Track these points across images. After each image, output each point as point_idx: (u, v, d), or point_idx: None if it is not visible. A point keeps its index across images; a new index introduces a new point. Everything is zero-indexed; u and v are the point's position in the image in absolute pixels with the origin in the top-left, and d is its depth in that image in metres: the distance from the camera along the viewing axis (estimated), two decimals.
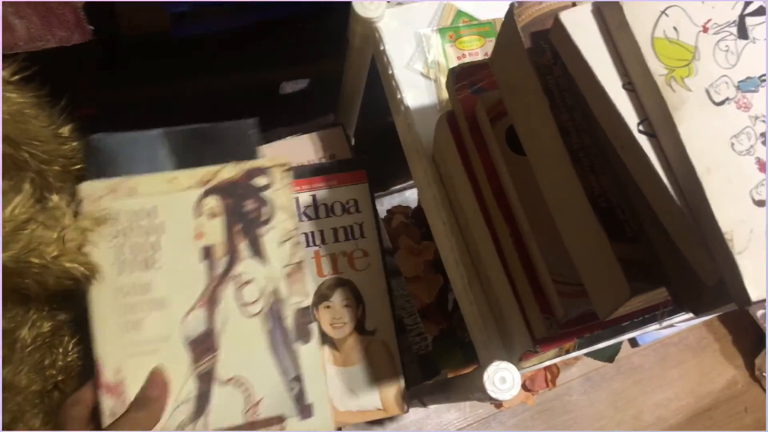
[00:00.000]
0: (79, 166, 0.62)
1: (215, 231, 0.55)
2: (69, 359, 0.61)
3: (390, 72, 0.59)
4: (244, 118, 0.61)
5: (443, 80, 0.60)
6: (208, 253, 0.54)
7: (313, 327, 0.54)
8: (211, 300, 0.54)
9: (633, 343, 1.38)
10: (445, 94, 0.60)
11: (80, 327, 0.67)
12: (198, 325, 0.53)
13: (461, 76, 0.50)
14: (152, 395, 0.51)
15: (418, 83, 0.60)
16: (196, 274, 0.54)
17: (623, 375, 1.47)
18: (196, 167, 0.56)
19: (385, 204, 1.23)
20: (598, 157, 0.39)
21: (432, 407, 1.39)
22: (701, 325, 1.51)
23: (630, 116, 0.34)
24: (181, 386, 0.52)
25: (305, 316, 0.54)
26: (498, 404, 1.00)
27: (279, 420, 0.53)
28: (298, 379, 0.54)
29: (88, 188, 0.54)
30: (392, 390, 0.67)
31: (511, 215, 0.48)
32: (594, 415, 1.44)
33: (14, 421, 0.46)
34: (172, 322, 0.53)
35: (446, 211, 0.56)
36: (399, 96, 0.59)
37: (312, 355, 0.54)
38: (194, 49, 0.70)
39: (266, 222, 0.56)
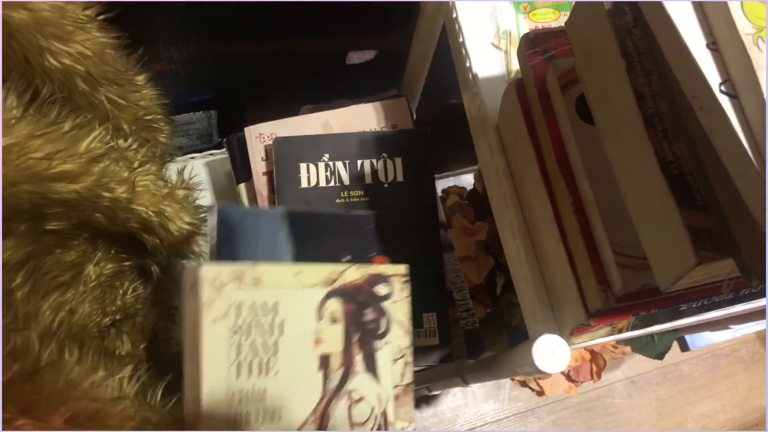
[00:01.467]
0: (150, 117, 0.64)
1: (335, 338, 0.51)
2: (127, 301, 0.63)
3: (460, 40, 0.59)
4: (364, 213, 0.59)
5: (514, 52, 0.60)
6: (325, 362, 0.51)
7: None
8: (323, 415, 0.50)
9: (684, 346, 1.35)
10: (514, 66, 0.59)
11: (141, 275, 0.70)
12: None
13: (534, 43, 0.50)
14: None
15: (487, 53, 0.60)
16: (312, 384, 0.50)
17: (670, 382, 1.43)
18: (319, 261, 0.53)
19: (440, 187, 1.23)
20: (673, 123, 0.38)
21: (470, 396, 1.38)
22: (755, 339, 1.46)
23: (713, 76, 0.33)
24: None
25: None
26: (540, 392, 0.99)
27: None
28: None
29: (212, 273, 0.48)
30: None
31: (574, 184, 0.48)
32: (636, 420, 1.41)
33: (76, 339, 0.48)
34: None
35: (507, 182, 0.56)
36: (467, 64, 0.59)
37: None
38: (266, 12, 0.72)
39: (383, 335, 0.53)
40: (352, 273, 0.52)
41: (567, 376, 0.94)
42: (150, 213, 0.58)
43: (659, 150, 0.38)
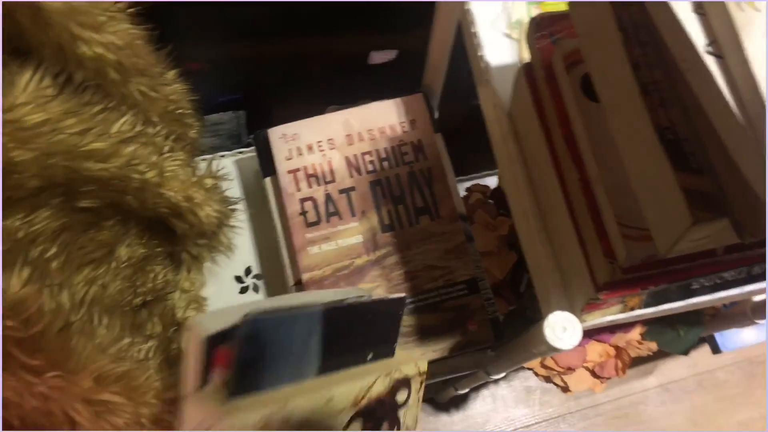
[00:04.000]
0: (180, 111, 0.68)
1: None
2: (158, 285, 0.67)
3: (473, 30, 0.61)
4: (393, 298, 0.56)
5: (525, 41, 0.62)
6: None
7: None
8: None
9: (715, 348, 1.32)
10: (525, 55, 0.61)
11: (172, 261, 0.73)
12: None
13: (541, 26, 0.52)
14: None
15: (500, 43, 0.62)
16: None
17: (705, 390, 1.41)
18: (345, 361, 0.50)
19: (463, 187, 1.25)
20: (669, 91, 0.40)
21: (500, 400, 1.38)
22: None
23: (699, 38, 0.35)
24: None
25: None
26: (565, 388, 0.99)
27: None
28: None
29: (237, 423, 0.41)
30: None
31: (580, 160, 0.49)
32: (670, 428, 1.39)
33: (107, 311, 0.50)
34: None
35: (519, 166, 0.58)
36: (480, 53, 0.61)
37: None
38: (291, 11, 0.75)
39: None
40: (379, 385, 0.50)
41: (592, 372, 0.94)
42: (179, 198, 0.61)
43: (655, 117, 0.39)
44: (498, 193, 0.97)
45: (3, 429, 0.42)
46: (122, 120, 0.51)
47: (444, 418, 1.39)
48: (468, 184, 1.26)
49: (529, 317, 0.92)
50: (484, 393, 1.38)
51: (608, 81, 0.44)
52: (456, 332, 0.70)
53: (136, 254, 0.62)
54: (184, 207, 0.62)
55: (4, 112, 0.39)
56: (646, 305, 0.55)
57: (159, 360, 0.52)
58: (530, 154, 0.57)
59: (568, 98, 0.50)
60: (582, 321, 0.53)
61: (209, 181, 0.67)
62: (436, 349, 0.70)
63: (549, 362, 0.94)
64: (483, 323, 0.70)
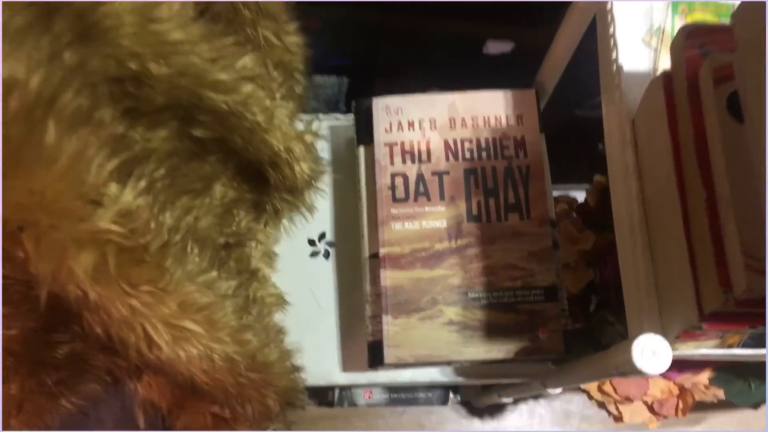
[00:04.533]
0: (294, 64, 0.68)
1: None
2: (241, 229, 0.67)
3: (610, 31, 0.59)
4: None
5: (664, 51, 0.59)
6: None
7: None
8: None
9: None
10: (662, 65, 0.58)
11: (256, 209, 0.73)
12: None
13: (693, 36, 0.49)
14: None
15: (636, 49, 0.59)
16: None
17: None
18: None
19: None
20: None
21: (537, 417, 1.34)
22: None
23: None
24: None
25: None
26: (618, 417, 0.95)
27: None
28: None
29: None
30: None
31: (710, 180, 0.46)
32: None
33: (204, 247, 0.50)
34: None
35: (634, 177, 0.55)
36: (613, 56, 0.58)
37: None
38: None
39: None
40: None
41: (650, 407, 0.90)
42: (281, 148, 0.61)
43: None
44: (585, 207, 0.94)
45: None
46: (247, 57, 0.51)
47: (476, 423, 1.36)
48: (555, 193, 1.23)
49: (596, 338, 0.89)
50: (522, 408, 1.35)
51: (761, 101, 0.41)
52: (525, 337, 0.68)
53: (228, 195, 0.62)
54: (283, 158, 0.62)
55: (150, 22, 0.39)
56: (745, 345, 0.52)
57: (235, 301, 0.52)
58: (649, 166, 0.54)
59: (709, 114, 0.47)
60: (673, 349, 0.51)
61: (309, 138, 0.67)
62: (501, 350, 0.68)
63: (607, 388, 0.91)
64: (555, 333, 0.68)
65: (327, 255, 0.84)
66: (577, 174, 1.25)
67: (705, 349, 0.52)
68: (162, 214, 0.44)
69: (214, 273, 0.48)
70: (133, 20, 0.38)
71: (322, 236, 0.84)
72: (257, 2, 0.53)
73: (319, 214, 0.84)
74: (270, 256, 0.79)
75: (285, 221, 0.81)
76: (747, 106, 0.44)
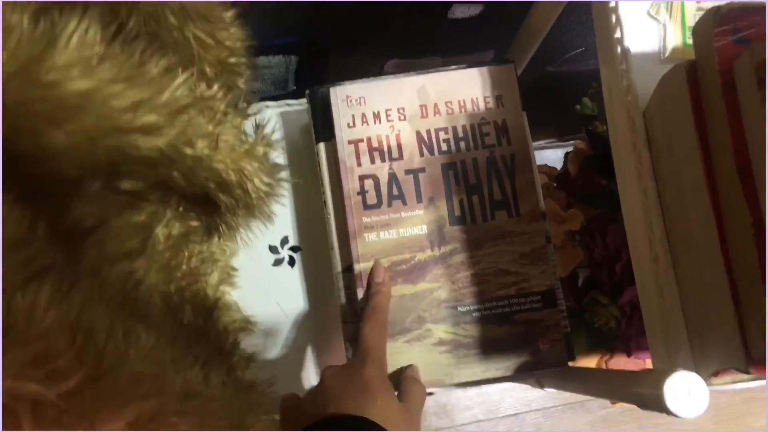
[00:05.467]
0: (234, 60, 0.57)
1: None
2: (192, 266, 0.57)
3: (612, 4, 0.49)
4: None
5: (673, 25, 0.50)
6: None
7: None
8: None
9: None
10: (671, 43, 0.50)
11: (206, 234, 0.63)
12: None
13: (725, 20, 0.40)
14: None
15: (639, 23, 0.50)
16: None
17: (726, 394, 1.34)
18: None
19: None
20: None
21: (527, 391, 1.31)
22: None
23: None
24: None
25: None
26: (615, 401, 0.91)
27: None
28: None
29: None
30: None
31: (756, 200, 0.39)
32: (692, 425, 1.33)
33: (141, 318, 0.41)
34: None
35: (652, 183, 0.47)
36: (617, 35, 0.49)
37: None
38: None
39: None
40: None
41: None
42: (230, 171, 0.51)
43: None
44: (566, 177, 0.87)
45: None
46: (177, 82, 0.40)
47: (458, 393, 1.33)
48: None
49: (588, 320, 0.83)
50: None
51: None
52: (524, 350, 0.61)
53: (173, 232, 0.52)
54: (233, 181, 0.52)
55: (41, 80, 0.28)
56: None
57: (200, 377, 0.43)
58: (669, 172, 0.46)
59: (752, 118, 0.39)
60: (709, 385, 0.44)
61: (261, 149, 0.56)
62: (499, 368, 0.62)
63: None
64: (556, 342, 0.61)
65: (292, 262, 0.75)
66: (551, 131, 1.17)
67: (741, 383, 0.45)
68: (93, 310, 0.34)
69: (168, 360, 0.39)
70: (17, 86, 0.27)
71: (284, 241, 0.75)
72: (182, 4, 0.42)
73: (279, 216, 0.74)
74: (228, 273, 0.70)
75: (241, 231, 0.71)
76: None
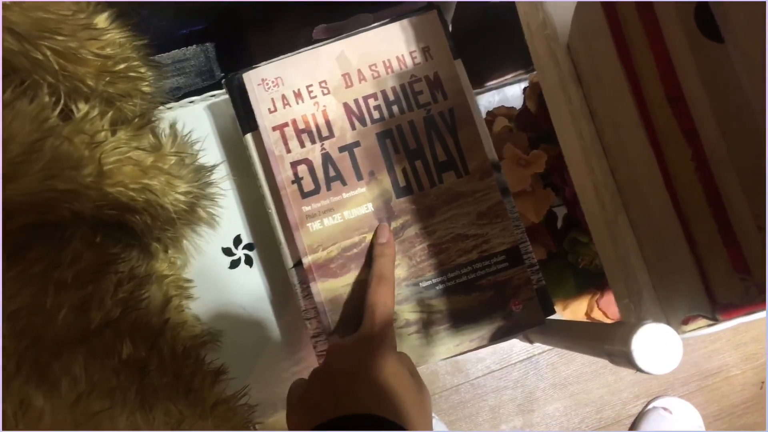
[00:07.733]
0: (123, 65, 0.51)
1: None
2: (121, 296, 0.52)
3: None
4: None
5: None
6: None
7: None
8: None
9: None
10: None
11: (139, 255, 0.58)
12: None
13: None
14: None
15: None
16: None
17: None
18: None
19: (483, 104, 1.08)
20: None
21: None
22: None
23: None
24: None
25: None
26: None
27: None
28: None
29: None
30: None
31: (694, 130, 0.34)
32: None
33: (53, 385, 0.37)
34: None
35: (586, 122, 0.42)
36: None
37: None
38: None
39: None
40: None
41: None
42: (131, 193, 0.46)
43: None
44: (526, 115, 0.81)
45: None
46: (30, 111, 0.35)
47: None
48: (488, 98, 1.09)
49: (571, 262, 0.79)
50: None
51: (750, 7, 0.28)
52: (497, 315, 0.57)
53: (81, 267, 0.47)
54: (139, 202, 0.47)
55: None
56: None
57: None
58: (603, 108, 0.41)
59: (674, 37, 0.33)
60: (681, 333, 0.40)
61: (171, 159, 0.52)
62: (474, 338, 0.58)
63: (597, 314, 0.82)
64: (530, 301, 0.57)
65: (249, 261, 0.71)
66: (509, 65, 1.11)
67: (718, 325, 0.41)
68: None
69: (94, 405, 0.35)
70: None
71: (237, 241, 0.71)
72: (11, 26, 0.37)
73: (227, 216, 0.70)
74: (182, 286, 0.66)
75: (186, 241, 0.67)
76: (727, 19, 0.30)
